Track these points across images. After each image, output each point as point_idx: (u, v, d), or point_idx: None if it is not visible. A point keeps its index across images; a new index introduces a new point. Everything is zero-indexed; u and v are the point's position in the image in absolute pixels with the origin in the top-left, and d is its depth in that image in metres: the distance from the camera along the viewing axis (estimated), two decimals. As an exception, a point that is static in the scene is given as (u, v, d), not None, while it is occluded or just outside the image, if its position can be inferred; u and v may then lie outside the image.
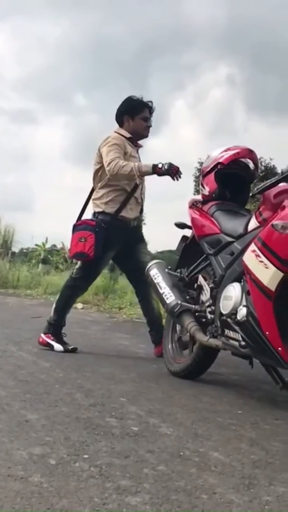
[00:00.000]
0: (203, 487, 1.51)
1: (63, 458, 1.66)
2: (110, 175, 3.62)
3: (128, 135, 3.79)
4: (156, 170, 3.52)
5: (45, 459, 1.64)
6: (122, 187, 3.70)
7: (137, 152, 3.86)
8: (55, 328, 3.73)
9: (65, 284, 3.88)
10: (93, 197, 3.83)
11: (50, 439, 1.82)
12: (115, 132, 3.80)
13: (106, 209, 3.71)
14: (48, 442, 1.79)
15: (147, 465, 1.65)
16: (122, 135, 3.77)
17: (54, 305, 3.82)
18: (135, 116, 3.79)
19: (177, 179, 3.53)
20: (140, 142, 3.90)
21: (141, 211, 3.89)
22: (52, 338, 3.69)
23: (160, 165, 3.50)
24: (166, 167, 3.48)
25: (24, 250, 18.08)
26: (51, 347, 3.67)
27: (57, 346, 3.65)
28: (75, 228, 3.75)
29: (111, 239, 3.66)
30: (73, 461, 1.64)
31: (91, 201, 3.86)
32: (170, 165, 3.48)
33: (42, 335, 3.74)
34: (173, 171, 3.48)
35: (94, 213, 3.80)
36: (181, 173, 3.54)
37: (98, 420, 2.09)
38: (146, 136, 3.88)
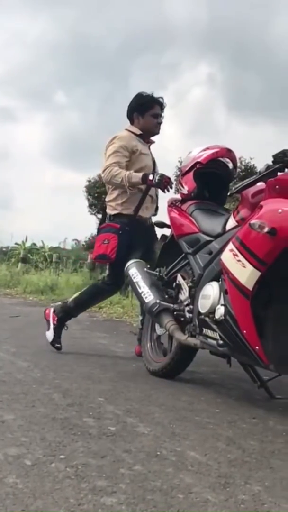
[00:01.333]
0: (179, 487, 1.51)
1: (39, 458, 1.64)
2: (104, 182, 3.60)
3: (138, 132, 3.73)
4: (147, 181, 3.47)
5: (21, 459, 1.62)
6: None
7: (149, 148, 3.80)
8: (65, 315, 3.68)
9: (95, 283, 3.85)
10: (106, 199, 3.76)
11: (26, 440, 1.80)
12: (126, 129, 3.76)
13: (123, 210, 3.63)
14: (24, 442, 1.77)
15: (123, 465, 1.64)
16: (133, 132, 3.73)
17: (77, 294, 3.75)
18: (144, 113, 3.73)
19: (168, 191, 3.50)
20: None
21: (156, 208, 3.81)
22: (55, 321, 3.65)
23: (151, 177, 3.45)
24: (157, 179, 3.43)
25: (4, 249, 17.97)
26: (47, 326, 3.65)
27: (50, 334, 3.62)
28: (100, 230, 3.69)
29: (135, 241, 3.59)
30: (49, 461, 1.62)
31: (107, 203, 3.78)
32: (161, 177, 3.43)
33: (52, 310, 3.73)
34: (163, 184, 3.44)
35: (110, 216, 3.71)
36: (172, 184, 3.50)
37: (75, 420, 2.07)
38: (157, 133, 3.81)
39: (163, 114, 3.81)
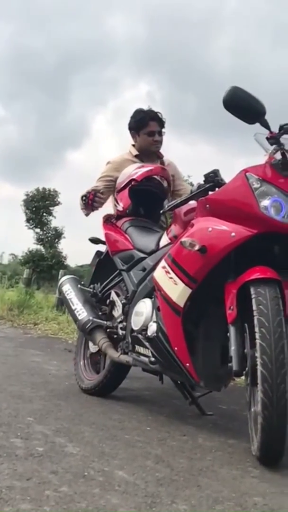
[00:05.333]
0: (105, 508, 1.49)
1: None
2: None
3: (135, 152, 3.61)
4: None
5: None
6: None
7: None
8: None
9: None
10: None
11: None
12: (129, 150, 3.66)
13: None
14: None
15: (49, 487, 1.60)
16: (131, 153, 3.62)
17: None
18: (139, 131, 3.57)
19: (94, 209, 3.37)
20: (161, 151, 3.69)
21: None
22: None
23: (84, 196, 3.35)
24: (83, 197, 3.33)
25: None
26: None
27: None
28: None
29: None
30: (-28, 485, 1.57)
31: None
32: (84, 195, 3.32)
33: None
34: (88, 203, 3.32)
35: None
36: (100, 201, 3.36)
37: (2, 441, 2.01)
38: (155, 151, 3.64)
39: (163, 130, 3.64)
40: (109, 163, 3.62)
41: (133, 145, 3.67)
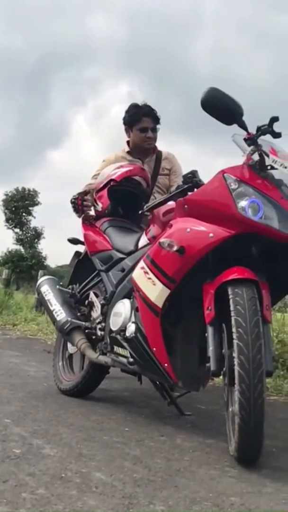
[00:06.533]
0: (82, 510, 1.48)
1: None
2: None
3: (127, 148, 3.57)
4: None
5: None
6: None
7: (143, 163, 3.53)
8: None
9: None
10: None
11: None
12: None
13: None
14: None
15: (26, 489, 1.59)
16: (124, 150, 3.58)
17: None
18: (132, 127, 3.52)
19: (85, 212, 3.30)
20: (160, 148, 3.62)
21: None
22: None
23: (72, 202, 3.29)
24: (72, 201, 3.26)
25: None
26: None
27: None
28: None
29: None
30: None
31: None
32: (73, 198, 3.24)
33: None
34: (78, 208, 3.25)
35: None
36: (88, 204, 3.28)
37: (-22, 443, 1.99)
38: (147, 148, 3.56)
39: (158, 127, 3.57)
40: (103, 161, 3.60)
41: (128, 142, 3.63)
